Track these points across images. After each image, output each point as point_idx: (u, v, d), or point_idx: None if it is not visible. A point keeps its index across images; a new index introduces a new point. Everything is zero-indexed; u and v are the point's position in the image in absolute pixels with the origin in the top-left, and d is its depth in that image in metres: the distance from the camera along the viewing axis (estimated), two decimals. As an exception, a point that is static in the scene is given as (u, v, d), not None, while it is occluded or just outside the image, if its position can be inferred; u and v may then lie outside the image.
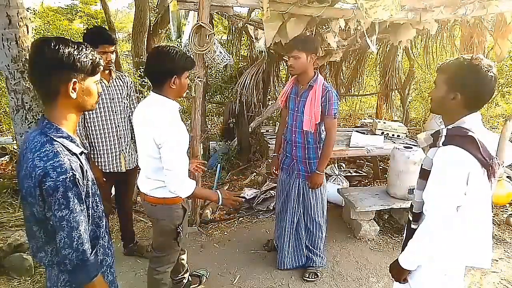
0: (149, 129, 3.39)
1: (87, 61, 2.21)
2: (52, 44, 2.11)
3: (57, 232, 2.13)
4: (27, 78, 5.05)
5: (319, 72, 4.89)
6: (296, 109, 4.76)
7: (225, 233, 6.18)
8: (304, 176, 4.88)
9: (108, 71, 4.60)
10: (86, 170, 2.23)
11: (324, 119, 4.64)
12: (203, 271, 5.01)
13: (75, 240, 2.14)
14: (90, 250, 2.22)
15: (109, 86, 4.61)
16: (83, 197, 2.18)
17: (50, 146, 2.09)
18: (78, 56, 2.17)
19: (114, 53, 4.52)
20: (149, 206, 3.72)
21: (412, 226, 2.80)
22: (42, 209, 2.14)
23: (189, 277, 4.75)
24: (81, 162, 2.20)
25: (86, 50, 2.23)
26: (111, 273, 2.62)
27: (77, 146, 2.25)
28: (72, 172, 2.08)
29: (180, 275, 4.57)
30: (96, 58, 2.28)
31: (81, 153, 2.26)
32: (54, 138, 2.13)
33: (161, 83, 3.44)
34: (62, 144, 2.13)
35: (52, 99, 2.18)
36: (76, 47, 2.18)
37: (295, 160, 4.90)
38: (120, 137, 4.76)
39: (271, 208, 6.69)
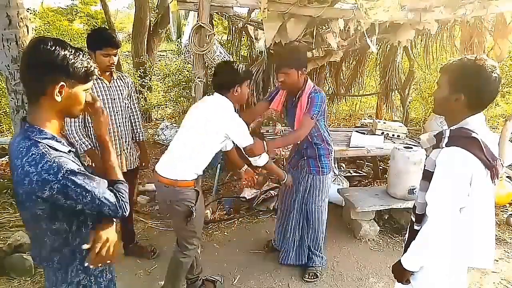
0: (209, 116, 3.95)
1: (81, 68, 2.20)
2: (49, 44, 2.10)
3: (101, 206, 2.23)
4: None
5: (319, 73, 4.89)
6: (293, 120, 4.78)
7: (225, 233, 6.17)
8: (315, 171, 4.88)
9: (109, 72, 4.58)
10: (79, 166, 2.20)
11: (302, 116, 4.59)
12: (218, 277, 5.00)
13: (112, 201, 2.27)
14: (115, 198, 2.31)
15: (110, 87, 4.60)
16: (88, 175, 2.19)
17: (35, 149, 2.06)
18: (73, 61, 2.16)
19: (116, 55, 4.50)
20: (163, 187, 4.01)
21: (415, 227, 2.77)
22: (50, 209, 2.15)
23: (203, 281, 4.78)
24: (72, 160, 2.17)
25: (82, 56, 2.22)
26: (109, 271, 2.62)
27: (64, 145, 2.22)
28: (65, 164, 2.07)
29: (195, 273, 4.68)
30: (91, 66, 2.27)
31: (69, 151, 2.24)
32: (38, 140, 2.09)
33: (226, 90, 4.04)
34: (47, 145, 2.10)
35: (37, 99, 2.16)
36: (73, 51, 2.18)
37: (305, 158, 4.91)
38: (121, 137, 4.77)
39: (271, 208, 6.69)
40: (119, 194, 2.33)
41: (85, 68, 2.22)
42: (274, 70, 4.51)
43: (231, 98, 4.06)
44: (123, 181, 2.48)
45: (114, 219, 2.37)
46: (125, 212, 2.35)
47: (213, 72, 4.25)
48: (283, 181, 4.73)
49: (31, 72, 2.13)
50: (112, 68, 4.56)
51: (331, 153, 4.95)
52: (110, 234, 2.28)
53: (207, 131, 3.93)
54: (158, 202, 4.61)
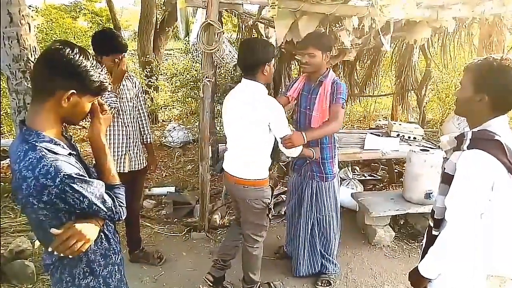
0: (251, 111, 4.02)
1: (97, 82, 2.25)
2: (75, 51, 2.16)
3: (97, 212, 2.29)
4: (29, 78, 5.03)
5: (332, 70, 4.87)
6: (308, 107, 4.74)
7: (235, 239, 6.12)
8: (318, 177, 4.85)
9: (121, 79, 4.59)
10: (78, 169, 2.22)
11: (331, 107, 4.57)
12: (278, 283, 5.10)
13: (109, 205, 2.32)
14: (112, 202, 2.35)
15: (118, 86, 4.59)
16: (87, 177, 2.22)
17: (33, 153, 2.08)
18: (91, 73, 2.22)
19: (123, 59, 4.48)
20: (241, 188, 4.25)
21: (433, 232, 2.75)
22: (51, 212, 2.17)
23: (260, 285, 4.86)
24: (70, 163, 2.18)
25: (101, 71, 2.29)
26: (118, 271, 2.64)
27: (63, 148, 2.24)
28: (63, 168, 2.08)
29: (227, 262, 4.93)
30: (105, 82, 2.33)
31: (69, 154, 2.25)
32: (36, 144, 2.12)
33: (255, 71, 4.05)
34: (45, 148, 2.11)
35: (42, 100, 2.18)
36: (94, 64, 2.24)
37: (308, 161, 4.86)
38: (129, 138, 4.79)
39: (283, 213, 6.67)
40: (116, 200, 2.37)
41: (100, 82, 2.28)
42: (285, 69, 4.45)
43: (261, 79, 4.10)
44: (120, 184, 2.50)
45: (100, 224, 2.38)
46: (121, 217, 2.41)
47: (238, 53, 4.25)
48: (313, 158, 4.77)
49: (47, 72, 2.15)
50: (125, 74, 4.60)
51: (335, 157, 4.93)
52: (86, 230, 2.25)
53: (256, 121, 4.04)
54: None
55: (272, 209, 4.42)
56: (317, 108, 4.61)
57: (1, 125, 9.59)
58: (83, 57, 2.17)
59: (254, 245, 4.55)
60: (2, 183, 6.98)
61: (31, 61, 5.09)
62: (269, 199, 4.33)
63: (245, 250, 4.60)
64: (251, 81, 4.08)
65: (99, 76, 2.25)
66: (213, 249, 5.79)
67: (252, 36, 7.47)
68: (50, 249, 2.20)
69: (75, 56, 2.14)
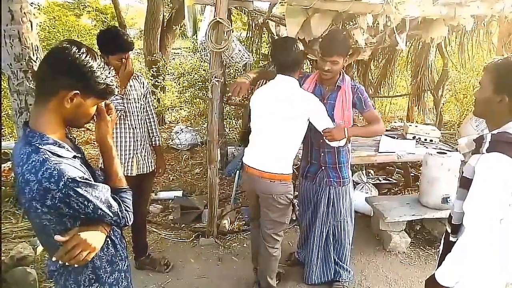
0: (288, 106, 4.16)
1: (102, 84, 2.25)
2: (81, 50, 2.16)
3: (103, 217, 2.29)
4: (31, 78, 5.04)
5: (346, 72, 4.88)
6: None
7: (244, 245, 6.17)
8: (335, 182, 4.83)
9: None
10: (83, 173, 2.22)
11: (364, 115, 4.67)
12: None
13: (115, 210, 2.33)
14: (118, 207, 2.36)
15: (125, 87, 4.60)
16: (92, 181, 2.23)
17: (36, 156, 2.09)
18: (97, 74, 2.21)
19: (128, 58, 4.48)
20: (268, 182, 4.33)
21: (451, 238, 2.74)
22: (55, 217, 2.17)
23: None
24: (75, 166, 2.19)
25: (108, 73, 2.29)
26: (125, 278, 2.65)
27: (68, 150, 2.24)
28: (67, 172, 2.08)
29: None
30: (112, 85, 2.33)
31: (74, 157, 2.26)
32: (39, 146, 2.12)
33: (295, 69, 4.25)
34: (48, 151, 2.11)
35: (46, 101, 2.18)
36: (101, 65, 2.25)
37: (323, 167, 4.83)
38: (136, 140, 4.78)
39: (294, 218, 6.65)
40: (123, 204, 2.38)
41: (106, 85, 2.28)
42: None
43: (295, 77, 4.29)
44: (127, 188, 2.51)
45: (106, 231, 2.39)
46: (128, 223, 2.41)
47: (274, 51, 4.40)
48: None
49: (50, 71, 2.16)
50: (132, 75, 4.61)
51: (349, 160, 4.94)
52: (92, 238, 2.26)
53: (294, 116, 4.18)
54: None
55: (296, 205, 4.52)
56: (338, 114, 4.58)
57: (2, 127, 9.65)
58: (89, 57, 2.17)
59: (274, 245, 4.62)
60: (3, 187, 7.01)
61: (33, 61, 5.10)
62: (292, 195, 4.44)
63: (265, 251, 4.64)
64: (288, 77, 4.23)
65: (105, 78, 2.25)
66: (222, 255, 5.81)
67: (262, 35, 7.48)
68: (54, 259, 2.21)
69: (81, 55, 2.14)
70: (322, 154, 4.78)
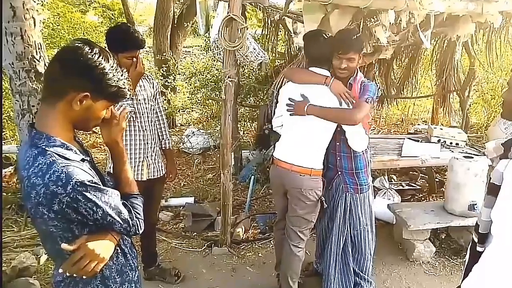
0: (321, 98, 4.34)
1: (114, 86, 2.26)
2: (95, 50, 2.18)
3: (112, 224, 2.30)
4: (34, 78, 5.06)
5: (367, 71, 4.90)
6: None
7: (260, 254, 6.18)
8: (352, 189, 4.82)
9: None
10: (92, 177, 2.23)
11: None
12: None
13: (124, 217, 2.33)
14: (128, 214, 2.36)
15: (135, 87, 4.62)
16: (101, 185, 2.24)
17: (42, 159, 2.10)
18: (109, 76, 2.22)
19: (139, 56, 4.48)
20: (298, 176, 4.46)
21: (478, 248, 2.70)
22: (62, 223, 2.18)
23: None
24: (83, 170, 2.20)
25: (121, 76, 2.30)
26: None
27: (75, 153, 2.25)
28: (75, 175, 2.10)
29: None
30: (124, 89, 2.33)
31: (82, 160, 2.27)
32: (46, 148, 2.13)
33: (329, 63, 4.48)
34: (55, 153, 2.14)
35: (54, 101, 2.19)
36: (114, 68, 2.25)
37: (339, 172, 4.84)
38: (146, 143, 4.77)
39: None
40: (133, 211, 2.39)
41: (118, 88, 2.28)
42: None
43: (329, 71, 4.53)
44: (138, 194, 2.53)
45: (116, 239, 2.40)
46: (138, 230, 2.42)
47: (307, 44, 4.62)
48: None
49: (60, 71, 2.16)
50: (142, 75, 4.61)
51: (369, 165, 4.94)
52: (100, 248, 2.28)
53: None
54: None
55: (325, 202, 4.64)
56: None
57: (3, 130, 9.69)
58: (102, 58, 2.18)
59: (298, 244, 4.74)
60: (4, 193, 7.03)
61: (36, 59, 5.10)
62: (321, 191, 4.57)
63: (288, 249, 4.73)
64: (321, 69, 4.48)
65: (117, 81, 2.26)
66: (236, 265, 5.82)
67: (278, 32, 7.49)
68: (61, 271, 2.23)
69: (93, 56, 2.15)
70: (339, 158, 4.79)
